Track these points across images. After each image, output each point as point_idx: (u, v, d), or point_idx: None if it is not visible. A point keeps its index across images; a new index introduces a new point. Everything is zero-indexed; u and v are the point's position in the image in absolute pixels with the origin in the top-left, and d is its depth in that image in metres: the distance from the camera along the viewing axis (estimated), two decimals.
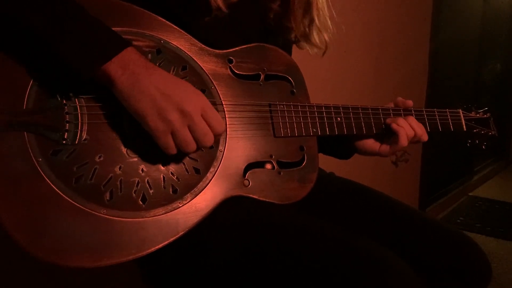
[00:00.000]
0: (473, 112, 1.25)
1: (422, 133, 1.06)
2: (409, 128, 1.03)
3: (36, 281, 1.16)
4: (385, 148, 1.07)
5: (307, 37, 1.04)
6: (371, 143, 1.08)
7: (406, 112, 1.09)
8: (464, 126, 1.20)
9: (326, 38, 1.05)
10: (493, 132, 1.27)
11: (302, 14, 1.00)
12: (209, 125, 0.74)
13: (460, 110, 1.21)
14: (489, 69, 4.53)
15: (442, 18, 3.01)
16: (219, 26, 0.88)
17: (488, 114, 1.27)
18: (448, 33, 3.16)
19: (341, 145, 1.11)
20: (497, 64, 4.73)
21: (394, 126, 1.03)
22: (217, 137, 0.78)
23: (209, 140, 0.74)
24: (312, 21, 1.02)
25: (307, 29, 1.02)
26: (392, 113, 1.07)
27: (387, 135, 1.06)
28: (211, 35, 0.87)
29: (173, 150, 0.73)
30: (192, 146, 0.73)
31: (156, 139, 0.71)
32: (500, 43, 4.68)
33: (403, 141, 1.02)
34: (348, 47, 2.14)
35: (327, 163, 1.08)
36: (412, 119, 1.05)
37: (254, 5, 0.98)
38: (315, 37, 1.03)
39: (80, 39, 0.67)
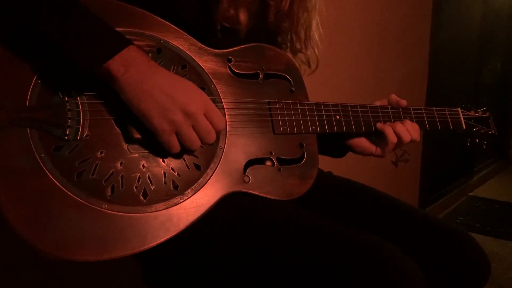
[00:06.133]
0: (472, 111, 1.25)
1: (409, 138, 1.06)
2: (404, 132, 1.05)
3: (36, 280, 1.17)
4: (379, 149, 1.08)
5: (302, 53, 1.09)
6: (365, 143, 1.09)
7: (404, 111, 1.09)
8: (464, 125, 1.21)
9: (318, 55, 1.09)
10: (493, 131, 1.27)
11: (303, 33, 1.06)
12: (211, 123, 0.76)
13: (459, 109, 1.22)
14: (489, 69, 4.54)
15: (442, 18, 3.02)
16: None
17: (488, 114, 1.27)
18: (448, 33, 3.16)
19: (334, 144, 1.11)
20: (497, 64, 4.74)
21: (378, 125, 1.04)
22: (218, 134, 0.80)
23: (212, 137, 0.77)
24: (308, 38, 1.07)
25: (303, 46, 1.07)
26: (391, 112, 1.08)
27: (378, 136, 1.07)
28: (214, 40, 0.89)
29: (177, 149, 0.75)
30: (197, 144, 0.76)
31: (160, 138, 0.73)
32: (500, 43, 4.68)
33: (392, 138, 1.04)
34: (348, 47, 2.15)
35: (326, 162, 1.09)
36: (408, 123, 1.07)
37: (265, 34, 1.01)
38: (309, 54, 1.08)
39: (83, 37, 0.68)
